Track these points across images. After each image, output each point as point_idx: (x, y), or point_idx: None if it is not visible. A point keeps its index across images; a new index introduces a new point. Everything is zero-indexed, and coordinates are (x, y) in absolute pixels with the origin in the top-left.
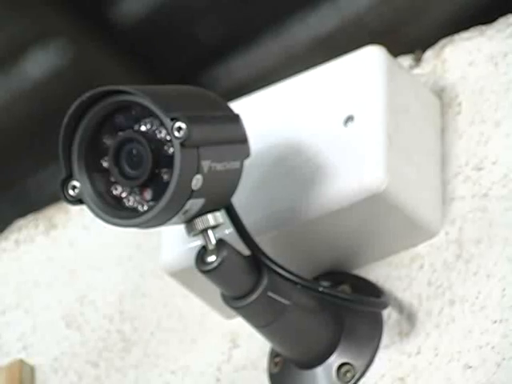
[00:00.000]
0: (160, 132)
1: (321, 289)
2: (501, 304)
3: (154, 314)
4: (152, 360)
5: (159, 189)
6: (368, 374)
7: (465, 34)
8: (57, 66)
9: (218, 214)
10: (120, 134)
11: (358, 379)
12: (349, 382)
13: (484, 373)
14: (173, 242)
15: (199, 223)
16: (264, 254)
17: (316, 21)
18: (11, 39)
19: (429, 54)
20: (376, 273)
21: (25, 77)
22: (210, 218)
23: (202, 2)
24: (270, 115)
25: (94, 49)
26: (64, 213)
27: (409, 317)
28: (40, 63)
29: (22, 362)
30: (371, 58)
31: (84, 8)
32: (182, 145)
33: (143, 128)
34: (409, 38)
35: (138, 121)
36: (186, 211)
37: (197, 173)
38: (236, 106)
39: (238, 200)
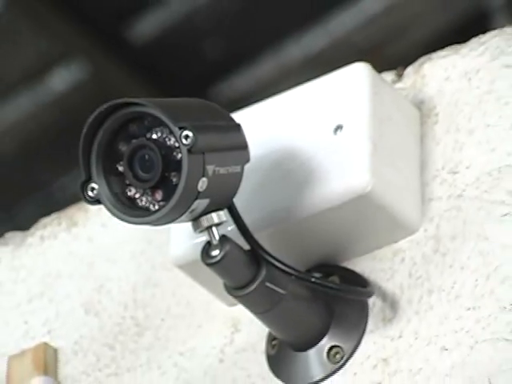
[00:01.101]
0: (169, 140)
1: (313, 279)
2: (474, 293)
3: (163, 302)
4: (162, 343)
5: (169, 190)
6: (355, 356)
7: (441, 53)
8: (78, 80)
9: (221, 212)
10: (134, 141)
11: (347, 360)
12: (338, 362)
13: (459, 354)
14: (181, 237)
15: (204, 221)
16: (262, 248)
17: (309, 40)
18: (38, 57)
19: (409, 70)
20: (362, 265)
21: (49, 91)
22: (214, 217)
23: (208, 24)
24: (267, 125)
25: (111, 65)
26: (84, 212)
27: (391, 305)
28: (63, 78)
29: (46, 344)
30: (358, 73)
31: (103, 29)
32: (189, 151)
33: (154, 136)
34: (391, 56)
35: (150, 129)
36: (193, 210)
37: (202, 176)
38: (237, 116)
39: (239, 200)
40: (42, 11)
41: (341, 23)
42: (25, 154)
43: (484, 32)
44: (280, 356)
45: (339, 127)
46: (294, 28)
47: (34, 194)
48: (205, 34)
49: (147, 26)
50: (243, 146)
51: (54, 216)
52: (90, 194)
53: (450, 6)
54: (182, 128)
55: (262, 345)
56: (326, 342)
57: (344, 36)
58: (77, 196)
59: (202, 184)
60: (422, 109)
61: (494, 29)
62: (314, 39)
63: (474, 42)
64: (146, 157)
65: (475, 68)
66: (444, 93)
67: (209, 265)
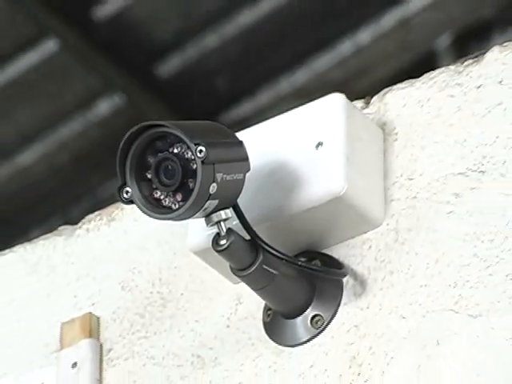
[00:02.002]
0: (187, 153)
1: (299, 263)
2: (425, 274)
3: (182, 281)
4: (182, 312)
5: (187, 193)
6: (332, 323)
7: (400, 85)
8: (117, 108)
9: (227, 210)
10: (159, 154)
11: (326, 326)
12: (319, 328)
13: (413, 322)
14: (196, 230)
15: (214, 217)
16: (259, 238)
17: (296, 76)
18: (86, 90)
19: (375, 99)
20: (338, 252)
21: (95, 116)
22: (222, 214)
23: (217, 65)
24: (264, 142)
25: (143, 96)
26: (120, 210)
27: (361, 283)
28: (106, 107)
29: (91, 314)
30: (335, 102)
31: (137, 68)
32: (203, 162)
33: (175, 150)
34: (361, 88)
35: (172, 145)
36: (205, 209)
37: (213, 182)
38: (240, 135)
39: (241, 201)
40: (89, 54)
41: (321, 63)
42: (77, 165)
43: (433, 69)
44: (273, 322)
45: (320, 144)
46: (285, 67)
47: (82, 196)
48: (215, 72)
49: (171, 66)
50: (245, 159)
51: (96, 213)
52: (125, 195)
53: (406, 49)
54: (196, 144)
55: (260, 314)
56: (309, 312)
57: (324, 73)
58: (115, 197)
59: (213, 188)
60: (385, 129)
61: (441, 67)
62: (301, 75)
63: (425, 77)
64: (169, 167)
65: (426, 97)
66: (402, 117)
67: (218, 251)
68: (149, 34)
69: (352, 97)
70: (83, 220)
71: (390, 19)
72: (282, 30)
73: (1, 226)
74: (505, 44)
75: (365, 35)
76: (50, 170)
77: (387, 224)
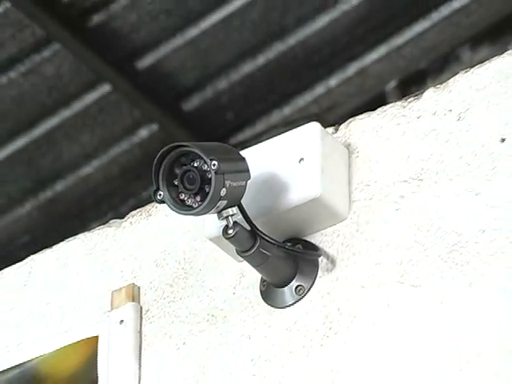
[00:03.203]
0: (204, 166)
1: (286, 247)
2: (379, 255)
3: (200, 260)
4: (200, 283)
5: (204, 195)
6: (311, 291)
7: (360, 116)
8: (153, 134)
9: (234, 208)
10: (183, 167)
11: (306, 293)
12: (301, 294)
13: (370, 290)
14: (211, 222)
15: (224, 213)
16: (257, 228)
17: (284, 111)
18: (132, 121)
19: (342, 126)
20: (315, 238)
21: (138, 139)
22: (230, 211)
23: (228, 103)
24: (260, 158)
25: (172, 125)
26: (155, 208)
27: (331, 261)
28: (145, 133)
29: (133, 284)
30: (313, 128)
31: (168, 104)
32: (215, 173)
33: (195, 164)
34: (332, 119)
35: (193, 160)
36: (218, 207)
37: (223, 187)
38: (243, 152)
39: (244, 201)
40: (133, 94)
41: (302, 101)
42: (124, 176)
43: (384, 105)
44: (268, 291)
45: (302, 159)
46: (276, 104)
47: (127, 199)
48: (225, 108)
49: (193, 103)
50: (246, 170)
51: (138, 210)
52: (158, 197)
53: (364, 91)
54: (211, 159)
55: (258, 284)
56: (294, 283)
57: (304, 108)
58: (151, 199)
59: (223, 192)
60: (349, 149)
61: (390, 103)
62: (287, 110)
63: (379, 110)
64: (191, 176)
65: (379, 126)
66: (362, 140)
67: (227, 238)
68: (177, 79)
69: (325, 125)
70: (128, 215)
71: (352, 69)
72: (273, 77)
73: (68, 220)
74: (437, 86)
75: (334, 81)
76: (104, 179)
77: (351, 218)
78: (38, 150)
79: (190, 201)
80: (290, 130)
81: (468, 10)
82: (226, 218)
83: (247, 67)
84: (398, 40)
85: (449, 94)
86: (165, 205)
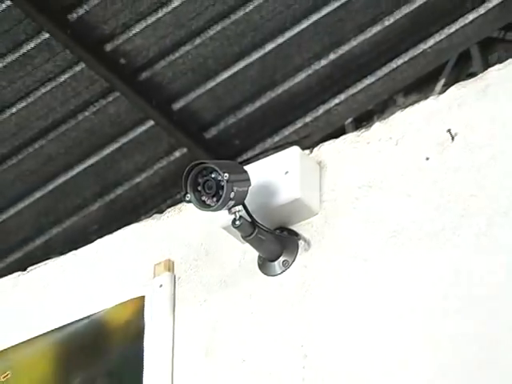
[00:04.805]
0: (219, 177)
1: (276, 233)
2: (343, 240)
3: (216, 244)
4: (215, 259)
5: (219, 197)
6: (293, 264)
7: (327, 142)
8: (184, 155)
9: (239, 207)
10: (204, 177)
11: (290, 265)
12: (286, 266)
13: (336, 263)
14: (223, 216)
15: (233, 210)
16: (256, 220)
17: (275, 140)
18: (168, 147)
19: (315, 149)
20: (296, 227)
21: (173, 159)
22: (237, 208)
23: (236, 133)
24: (258, 171)
25: (197, 148)
26: (185, 206)
27: (308, 243)
28: (178, 155)
29: (169, 259)
30: (294, 151)
31: (194, 134)
32: (227, 181)
33: (213, 175)
34: (308, 144)
35: (211, 172)
36: (228, 205)
37: (232, 191)
38: (246, 167)
39: (246, 201)
40: (169, 128)
41: (288, 131)
42: (163, 184)
43: (345, 134)
44: (263, 264)
45: (287, 172)
46: (269, 135)
47: (166, 200)
48: (234, 136)
49: (212, 133)
50: (248, 179)
51: (172, 208)
52: (186, 199)
53: (330, 124)
54: (224, 172)
55: (256, 259)
56: (281, 258)
57: (289, 136)
58: (181, 200)
59: (232, 195)
60: (320, 165)
61: (348, 133)
62: (277, 139)
63: (340, 138)
64: (209, 184)
65: (341, 149)
66: (329, 158)
67: (234, 227)
68: (201, 116)
69: (303, 148)
70: (166, 211)
71: (321, 110)
72: (267, 115)
73: (124, 214)
74: (381, 121)
75: (309, 118)
76: (150, 187)
77: (321, 213)
78: (104, 165)
79: (209, 201)
80: (278, 152)
81: (402, 69)
82: (234, 213)
83: (249, 108)
84: (353, 90)
85: (390, 126)
86: (191, 204)
